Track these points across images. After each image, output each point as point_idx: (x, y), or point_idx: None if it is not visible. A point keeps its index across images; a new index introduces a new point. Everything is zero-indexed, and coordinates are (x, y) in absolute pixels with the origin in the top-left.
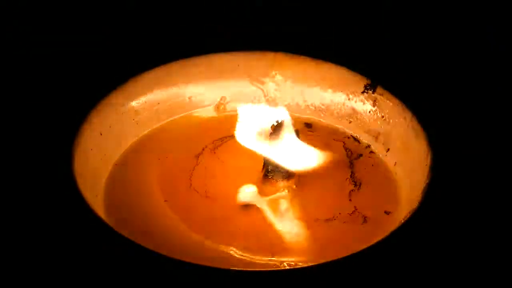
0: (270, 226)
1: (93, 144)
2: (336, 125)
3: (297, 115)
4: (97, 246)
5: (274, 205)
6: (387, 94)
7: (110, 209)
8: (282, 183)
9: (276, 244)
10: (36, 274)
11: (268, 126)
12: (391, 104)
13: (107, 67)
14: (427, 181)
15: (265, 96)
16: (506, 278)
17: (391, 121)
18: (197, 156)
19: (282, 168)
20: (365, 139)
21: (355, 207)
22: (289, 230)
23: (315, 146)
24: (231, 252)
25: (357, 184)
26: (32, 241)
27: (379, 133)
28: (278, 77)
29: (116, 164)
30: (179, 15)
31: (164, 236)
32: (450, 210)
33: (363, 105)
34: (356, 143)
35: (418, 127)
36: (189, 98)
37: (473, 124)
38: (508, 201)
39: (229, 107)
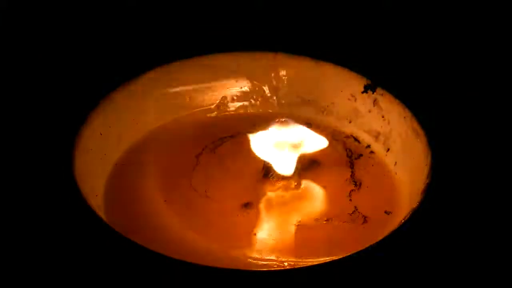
0: (269, 225)
1: (93, 144)
2: (336, 125)
3: (297, 115)
4: (97, 246)
5: (274, 205)
6: (387, 94)
7: (110, 209)
8: (282, 183)
9: (276, 244)
10: (36, 274)
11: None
12: (391, 104)
13: (107, 67)
14: (427, 181)
15: (265, 96)
16: (506, 278)
17: (391, 121)
18: (197, 156)
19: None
20: (365, 139)
21: (355, 207)
22: (288, 229)
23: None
24: (231, 252)
25: (357, 184)
26: (32, 241)
27: (379, 133)
28: (278, 77)
29: (116, 164)
30: (179, 15)
31: (164, 236)
32: (450, 210)
33: (363, 105)
34: (356, 143)
35: (418, 127)
36: (189, 98)
37: (473, 124)
38: (508, 201)
39: (229, 107)
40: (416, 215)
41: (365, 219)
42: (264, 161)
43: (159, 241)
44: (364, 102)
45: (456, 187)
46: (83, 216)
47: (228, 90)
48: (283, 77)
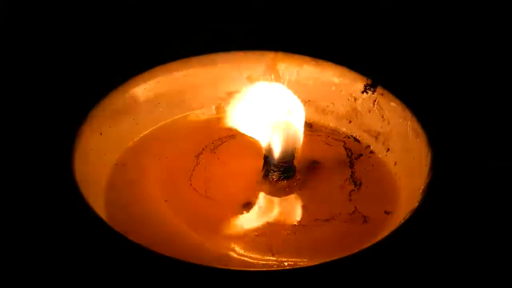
0: (269, 226)
1: (93, 144)
2: (336, 125)
3: None
4: (97, 246)
5: (274, 205)
6: (387, 94)
7: (110, 209)
8: (282, 183)
9: (276, 244)
10: (36, 274)
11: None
12: (391, 104)
13: (107, 67)
14: (427, 181)
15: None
16: (506, 278)
17: (391, 121)
18: (197, 156)
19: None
20: (365, 139)
21: (355, 207)
22: (288, 229)
23: (315, 146)
24: (231, 252)
25: (357, 184)
26: (32, 241)
27: (379, 133)
28: (278, 77)
29: (116, 164)
30: (179, 15)
31: (164, 236)
32: (450, 210)
33: (363, 105)
34: (356, 143)
35: (418, 127)
36: (189, 98)
37: (473, 124)
38: (508, 201)
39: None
40: (416, 215)
41: (365, 219)
42: (264, 160)
43: (159, 241)
44: (364, 102)
45: (456, 187)
46: (83, 216)
47: (227, 90)
48: (283, 77)
